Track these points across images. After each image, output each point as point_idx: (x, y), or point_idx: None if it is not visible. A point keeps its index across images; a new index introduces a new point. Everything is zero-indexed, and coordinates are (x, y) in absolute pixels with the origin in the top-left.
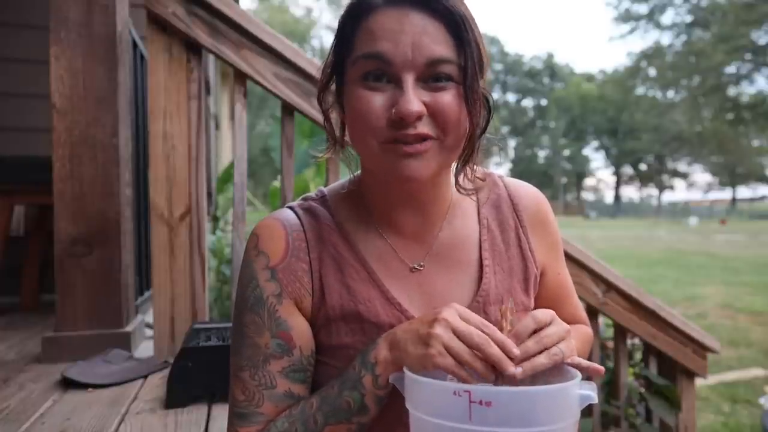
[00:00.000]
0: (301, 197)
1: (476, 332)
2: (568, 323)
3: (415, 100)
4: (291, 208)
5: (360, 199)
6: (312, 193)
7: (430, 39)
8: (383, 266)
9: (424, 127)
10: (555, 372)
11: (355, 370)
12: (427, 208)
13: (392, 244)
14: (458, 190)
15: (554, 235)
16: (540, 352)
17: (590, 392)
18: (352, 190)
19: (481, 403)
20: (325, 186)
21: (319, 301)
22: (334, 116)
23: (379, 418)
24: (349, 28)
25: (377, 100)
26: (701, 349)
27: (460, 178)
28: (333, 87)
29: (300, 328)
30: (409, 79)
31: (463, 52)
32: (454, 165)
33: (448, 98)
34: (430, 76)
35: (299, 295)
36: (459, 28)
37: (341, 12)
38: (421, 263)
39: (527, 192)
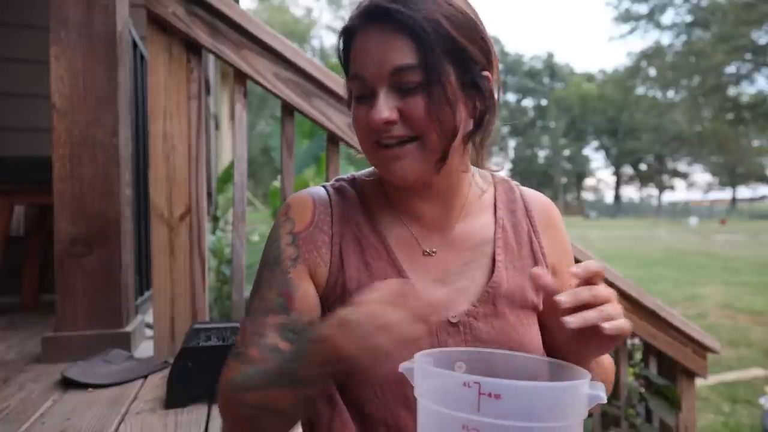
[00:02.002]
0: (334, 178)
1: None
2: None
3: (383, 109)
4: (324, 186)
5: (383, 186)
6: (344, 175)
7: (391, 51)
8: (402, 250)
9: (399, 130)
10: (565, 369)
11: (303, 340)
12: (444, 200)
13: (412, 230)
14: (482, 167)
15: (565, 243)
16: (587, 303)
17: (600, 392)
18: (379, 176)
19: (490, 395)
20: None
21: (336, 271)
22: None
23: (384, 403)
24: (343, 52)
25: (362, 113)
26: (701, 349)
27: (482, 159)
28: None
29: (306, 294)
30: (381, 91)
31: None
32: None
33: (415, 102)
34: (399, 84)
35: (314, 264)
36: (419, 36)
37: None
38: (434, 249)
39: (540, 200)
